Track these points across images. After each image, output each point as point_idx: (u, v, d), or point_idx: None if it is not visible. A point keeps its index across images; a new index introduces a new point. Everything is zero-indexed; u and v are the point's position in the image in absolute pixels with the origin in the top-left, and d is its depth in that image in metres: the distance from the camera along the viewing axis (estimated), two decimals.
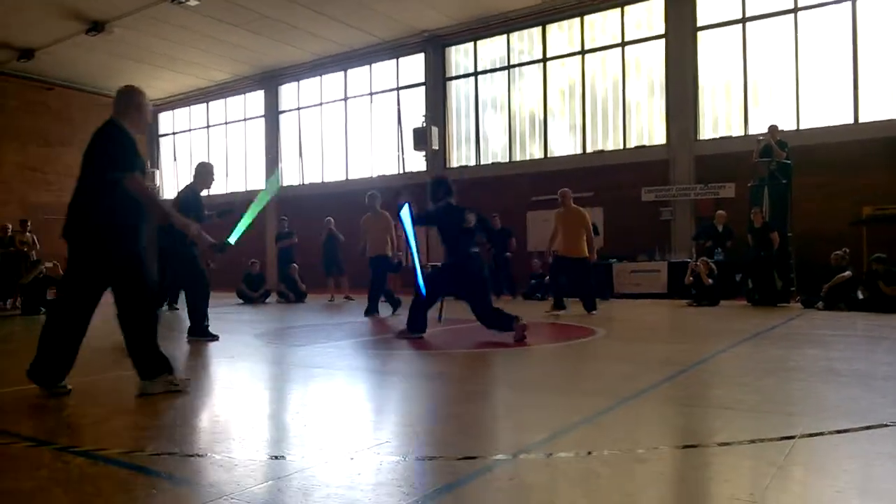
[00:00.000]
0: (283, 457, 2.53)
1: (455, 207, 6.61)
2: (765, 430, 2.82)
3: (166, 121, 25.28)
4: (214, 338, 6.63)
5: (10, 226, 13.11)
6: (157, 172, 25.03)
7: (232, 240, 6.49)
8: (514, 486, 2.20)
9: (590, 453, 2.52)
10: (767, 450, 2.55)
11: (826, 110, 13.37)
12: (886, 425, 2.89)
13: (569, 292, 9.80)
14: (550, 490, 2.18)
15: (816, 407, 3.36)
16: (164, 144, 25.48)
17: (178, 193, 7.15)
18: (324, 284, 14.43)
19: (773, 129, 11.56)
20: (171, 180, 25.25)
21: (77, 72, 20.96)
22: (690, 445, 2.69)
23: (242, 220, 6.46)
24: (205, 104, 23.81)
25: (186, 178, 27.46)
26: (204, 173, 7.29)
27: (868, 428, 2.85)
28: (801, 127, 13.49)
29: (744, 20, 14.24)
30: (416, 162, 18.47)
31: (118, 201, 3.67)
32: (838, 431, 2.79)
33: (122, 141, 3.74)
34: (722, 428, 2.98)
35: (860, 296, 9.82)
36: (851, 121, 13.12)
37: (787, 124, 13.11)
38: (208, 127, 23.95)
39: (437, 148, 17.73)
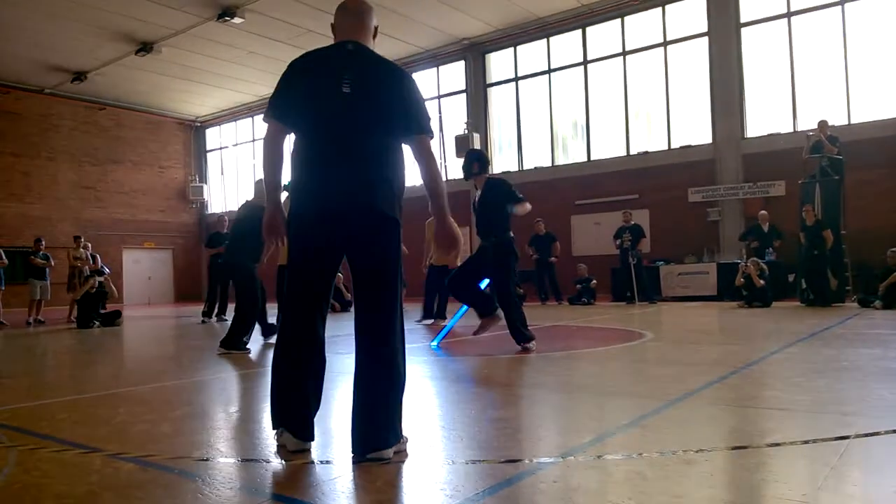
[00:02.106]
0: (328, 462, 2.56)
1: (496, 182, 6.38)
2: (818, 430, 2.74)
3: (213, 136, 25.95)
4: (247, 350, 6.65)
5: (43, 240, 13.49)
6: (206, 187, 25.69)
7: None
8: (558, 488, 2.18)
9: (637, 455, 2.48)
10: (821, 450, 2.47)
11: (877, 104, 12.94)
12: None
13: None
14: (596, 492, 2.15)
15: (872, 407, 3.24)
16: (212, 159, 26.14)
17: (243, 211, 7.19)
18: None
19: (822, 124, 11.24)
20: (218, 195, 25.87)
21: (127, 91, 21.72)
22: (741, 447, 2.62)
23: None
24: (250, 118, 24.36)
25: (232, 192, 28.09)
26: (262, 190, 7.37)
27: None
28: (852, 121, 13.08)
29: (789, 14, 13.91)
30: (459, 170, 18.51)
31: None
32: (894, 431, 2.69)
33: None
34: (774, 429, 2.90)
35: None
36: None
37: (837, 119, 12.73)
38: (254, 141, 24.48)
39: None
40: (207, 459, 2.62)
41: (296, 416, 2.61)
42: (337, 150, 2.56)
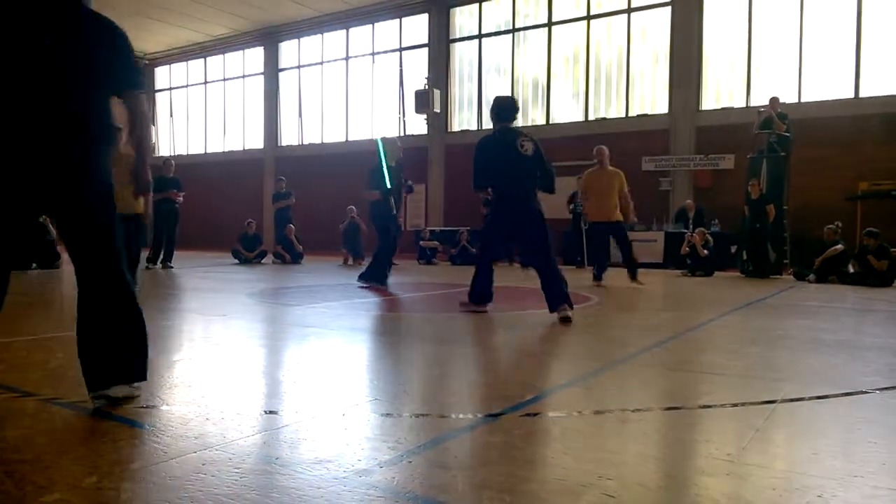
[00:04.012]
0: (272, 412, 2.56)
1: (508, 133, 5.62)
2: (748, 394, 2.86)
3: (163, 75, 24.99)
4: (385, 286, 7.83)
5: None
6: (153, 129, 24.82)
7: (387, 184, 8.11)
8: (498, 442, 2.24)
9: (576, 413, 2.56)
10: (749, 413, 2.59)
11: (827, 84, 13.29)
12: (866, 392, 2.94)
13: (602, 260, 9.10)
14: (534, 446, 2.22)
15: (800, 374, 3.40)
16: (161, 100, 25.22)
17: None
18: (320, 247, 14.42)
19: (774, 100, 11.49)
20: (166, 137, 25.08)
21: None
22: (674, 407, 2.73)
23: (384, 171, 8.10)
24: (203, 59, 23.53)
25: (182, 135, 27.34)
26: (394, 147, 8.60)
27: (848, 394, 2.90)
28: (802, 100, 13.41)
29: None
30: (418, 125, 18.35)
31: None
32: (819, 397, 2.84)
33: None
34: (706, 392, 3.02)
35: (851, 270, 9.89)
36: (851, 95, 13.04)
37: (788, 97, 13.01)
38: (206, 83, 23.70)
39: (438, 111, 17.59)
40: (147, 406, 2.59)
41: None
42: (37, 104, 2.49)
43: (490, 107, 5.82)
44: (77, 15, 2.59)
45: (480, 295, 5.64)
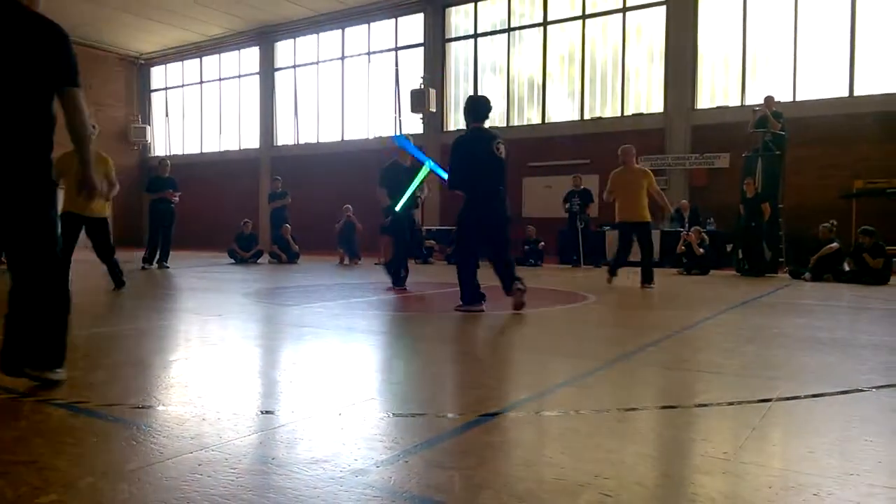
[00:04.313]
0: (269, 412, 2.55)
1: (483, 134, 5.71)
2: (744, 393, 2.87)
3: (158, 75, 24.93)
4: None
5: None
6: (149, 129, 24.75)
7: (398, 207, 7.39)
8: (495, 442, 2.24)
9: (573, 412, 2.55)
10: (745, 412, 2.59)
11: (822, 83, 13.33)
12: (861, 390, 2.94)
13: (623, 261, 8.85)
14: (531, 446, 2.22)
15: (796, 372, 3.41)
16: (157, 100, 25.16)
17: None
18: (316, 247, 14.40)
19: (769, 99, 11.51)
20: (161, 137, 25.01)
21: (65, 23, 20.47)
22: (670, 406, 2.73)
23: (407, 191, 7.30)
24: (198, 59, 23.48)
25: (178, 135, 27.19)
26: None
27: (844, 392, 2.90)
28: (797, 99, 13.45)
29: None
30: (414, 124, 18.33)
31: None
32: (815, 395, 2.84)
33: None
34: (703, 390, 3.03)
35: (846, 268, 9.91)
36: (846, 94, 13.08)
37: (783, 96, 13.05)
38: (202, 83, 23.64)
39: (434, 110, 17.58)
40: (142, 407, 2.58)
41: None
42: None
43: (463, 106, 5.88)
44: (13, 14, 2.67)
45: (471, 295, 5.67)
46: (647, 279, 8.33)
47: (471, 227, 5.74)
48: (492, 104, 5.97)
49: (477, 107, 5.77)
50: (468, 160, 5.61)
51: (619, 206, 8.68)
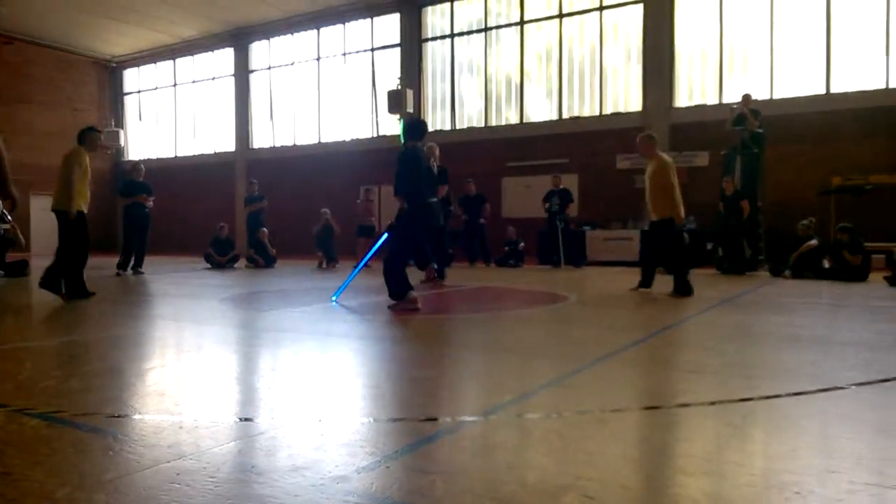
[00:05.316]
0: (248, 419, 2.52)
1: (420, 150, 6.43)
2: (725, 392, 2.88)
3: (131, 78, 24.59)
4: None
5: None
6: (122, 132, 24.36)
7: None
8: (478, 445, 2.22)
9: (556, 415, 2.54)
10: (727, 411, 2.60)
11: (799, 80, 13.49)
12: (842, 388, 2.97)
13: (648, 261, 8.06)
14: (514, 449, 2.20)
15: (776, 370, 3.43)
16: (130, 103, 24.81)
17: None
18: (293, 250, 14.28)
19: (746, 97, 11.63)
20: (135, 141, 24.67)
21: (39, 27, 20.23)
22: (653, 407, 2.73)
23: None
24: (171, 61, 23.20)
25: (151, 139, 26.91)
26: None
27: (824, 390, 2.92)
28: (775, 96, 13.60)
29: None
30: (391, 125, 18.28)
31: None
32: (796, 394, 2.86)
33: None
34: (684, 390, 3.03)
35: (826, 265, 10.03)
36: (823, 91, 13.25)
37: (760, 94, 13.19)
38: (175, 85, 23.36)
39: (411, 111, 17.51)
40: (119, 416, 2.53)
41: None
42: None
43: (407, 125, 6.58)
44: None
45: (400, 288, 5.96)
46: (647, 285, 7.76)
47: (420, 231, 6.42)
48: (427, 127, 6.85)
49: (421, 126, 6.58)
50: (416, 172, 6.18)
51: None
